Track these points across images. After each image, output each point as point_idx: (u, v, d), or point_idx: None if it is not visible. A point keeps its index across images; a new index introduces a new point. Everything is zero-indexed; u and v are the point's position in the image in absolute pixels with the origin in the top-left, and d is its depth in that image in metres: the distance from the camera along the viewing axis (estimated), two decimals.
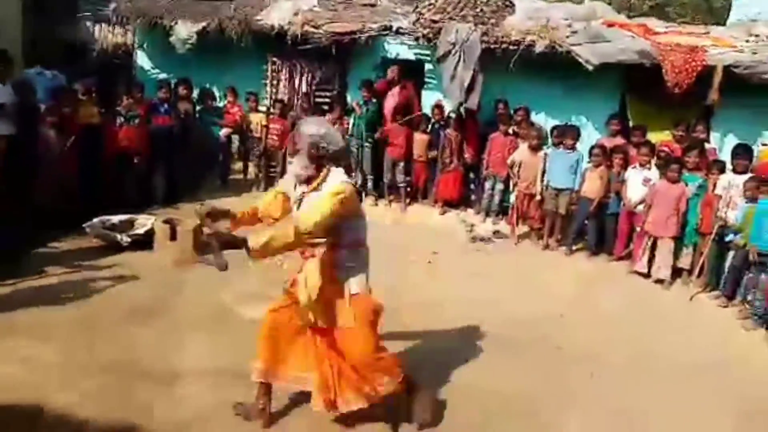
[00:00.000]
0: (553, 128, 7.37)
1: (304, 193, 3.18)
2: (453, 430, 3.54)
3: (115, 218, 6.04)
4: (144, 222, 6.10)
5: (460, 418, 3.65)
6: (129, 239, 5.78)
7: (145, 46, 9.55)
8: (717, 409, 4.00)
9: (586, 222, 6.89)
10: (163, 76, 8.93)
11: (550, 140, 7.40)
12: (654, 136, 7.19)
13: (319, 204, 3.01)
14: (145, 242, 5.87)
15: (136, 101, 7.22)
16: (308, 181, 3.15)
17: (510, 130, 7.70)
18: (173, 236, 5.83)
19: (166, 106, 7.60)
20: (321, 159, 3.11)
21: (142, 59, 9.58)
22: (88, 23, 9.71)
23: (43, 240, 5.73)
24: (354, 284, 3.22)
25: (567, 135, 7.07)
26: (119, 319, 4.53)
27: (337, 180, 3.09)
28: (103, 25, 9.71)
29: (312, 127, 3.15)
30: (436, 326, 4.80)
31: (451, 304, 5.23)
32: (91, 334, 4.28)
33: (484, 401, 3.84)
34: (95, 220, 5.93)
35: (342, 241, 3.19)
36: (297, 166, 3.15)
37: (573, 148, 7.01)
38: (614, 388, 4.17)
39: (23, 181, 5.72)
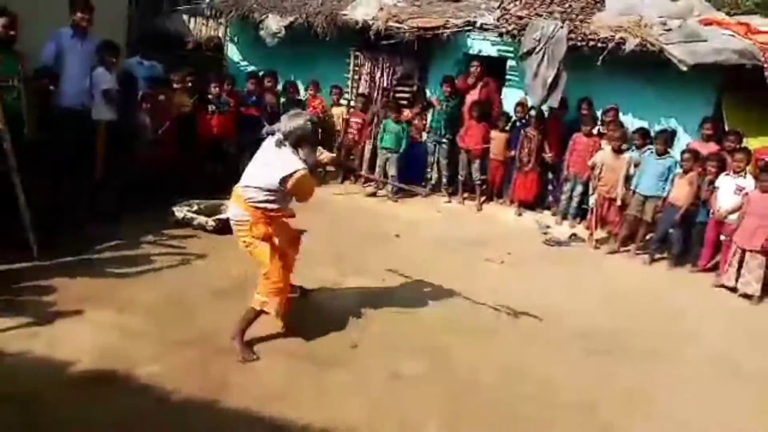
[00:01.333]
0: (657, 133, 7.03)
1: None
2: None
3: (202, 203, 6.37)
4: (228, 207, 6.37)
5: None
6: (214, 223, 6.06)
7: (236, 39, 9.95)
8: None
9: (671, 230, 6.57)
10: (251, 68, 9.27)
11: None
12: (753, 143, 6.77)
13: None
14: (228, 227, 6.12)
15: (227, 93, 7.57)
16: None
17: (596, 131, 7.49)
18: None
19: (254, 97, 7.91)
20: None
21: (232, 52, 9.98)
22: (185, 16, 10.20)
23: (132, 218, 6.10)
24: None
25: (659, 140, 6.76)
26: (202, 296, 4.77)
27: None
28: (198, 18, 10.17)
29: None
30: (504, 330, 4.77)
31: (520, 308, 5.18)
32: (176, 309, 4.54)
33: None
34: (183, 203, 6.27)
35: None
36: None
37: (665, 153, 6.69)
38: (684, 398, 4.01)
39: (122, 162, 6.14)
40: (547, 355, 4.44)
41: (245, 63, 9.73)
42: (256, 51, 9.45)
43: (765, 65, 6.56)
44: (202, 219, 6.08)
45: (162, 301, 4.65)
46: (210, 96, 7.42)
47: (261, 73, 8.45)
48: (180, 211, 6.16)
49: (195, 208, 6.26)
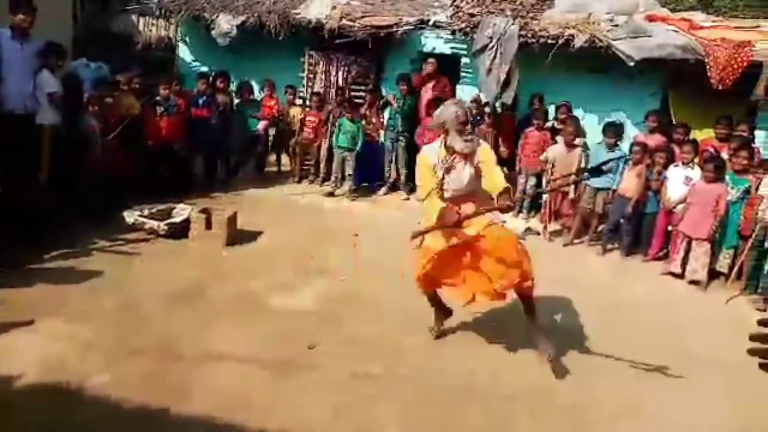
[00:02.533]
0: (606, 126, 7.16)
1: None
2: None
3: (154, 207, 6.23)
4: (181, 211, 6.27)
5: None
6: (166, 227, 5.94)
7: (187, 39, 9.76)
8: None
9: (621, 221, 6.75)
10: (204, 68, 9.12)
11: (591, 138, 7.29)
12: (698, 135, 7.00)
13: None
14: (181, 231, 6.03)
15: (176, 94, 7.41)
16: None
17: (549, 125, 7.63)
18: (209, 225, 5.99)
19: (204, 98, 7.78)
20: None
21: (183, 52, 9.79)
22: (134, 16, 9.96)
23: (82, 224, 5.92)
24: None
25: (608, 133, 6.92)
26: (155, 302, 4.67)
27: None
28: (148, 18, 9.94)
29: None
30: (465, 329, 4.81)
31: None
32: (128, 317, 4.43)
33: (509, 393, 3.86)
34: (134, 207, 6.13)
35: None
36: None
37: (615, 146, 6.86)
38: (634, 382, 4.13)
39: (67, 168, 5.94)
40: (508, 351, 4.47)
41: (197, 63, 9.56)
42: (208, 51, 9.31)
43: (707, 60, 6.79)
44: (154, 223, 5.96)
45: (114, 308, 4.54)
46: (159, 98, 7.26)
47: (213, 74, 8.33)
48: (131, 216, 6.02)
49: (146, 212, 6.13)
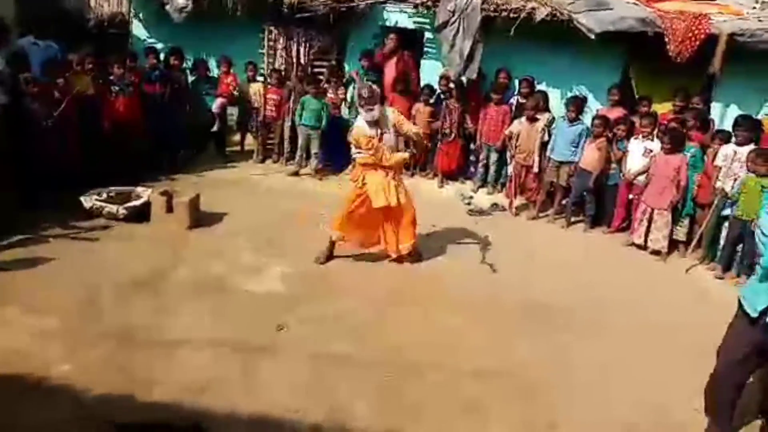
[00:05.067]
0: (568, 100, 7.18)
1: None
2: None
3: (111, 190, 6.05)
4: (140, 194, 6.10)
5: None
6: (125, 211, 5.78)
7: (141, 15, 9.40)
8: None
9: (584, 194, 6.84)
10: (160, 45, 8.82)
11: (556, 112, 7.33)
12: (658, 107, 7.10)
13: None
14: (141, 214, 5.87)
15: (128, 70, 7.15)
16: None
17: (513, 100, 7.65)
18: (169, 208, 5.84)
19: (155, 72, 7.54)
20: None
21: (137, 29, 9.44)
22: None
23: (40, 211, 5.72)
24: None
25: (570, 107, 6.96)
26: (117, 289, 4.57)
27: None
28: None
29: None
30: (431, 304, 4.84)
31: (445, 276, 5.26)
32: (88, 304, 4.33)
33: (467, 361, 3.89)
34: (92, 191, 5.93)
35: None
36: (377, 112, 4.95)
37: (576, 119, 6.92)
38: (606, 351, 4.22)
39: (17, 150, 5.70)
40: (475, 325, 4.52)
41: (152, 40, 9.20)
42: (164, 28, 8.97)
43: (665, 33, 6.86)
44: (112, 207, 5.79)
45: (73, 296, 4.42)
46: (113, 77, 6.99)
47: (168, 51, 8.08)
48: (89, 200, 5.84)
49: (105, 196, 5.94)
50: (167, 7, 8.53)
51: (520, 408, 3.64)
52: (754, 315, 2.93)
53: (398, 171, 5.28)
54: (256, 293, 4.73)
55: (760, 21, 6.93)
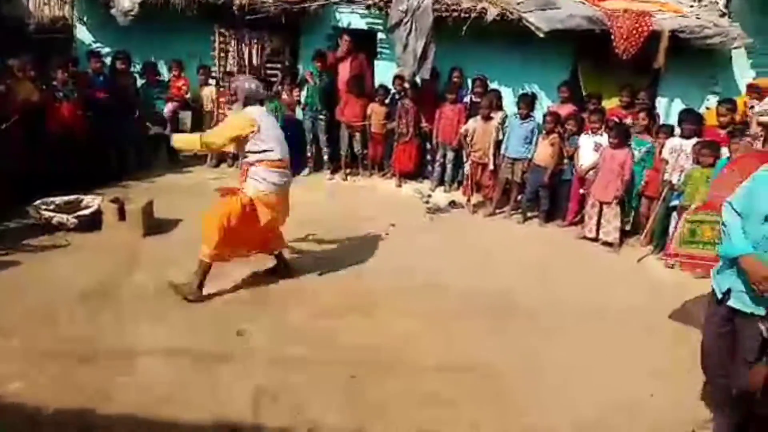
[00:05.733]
0: (520, 98, 7.31)
1: None
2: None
3: (60, 199, 5.84)
4: (90, 202, 5.91)
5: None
6: (75, 220, 5.59)
7: (85, 19, 9.12)
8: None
9: (539, 189, 6.98)
10: (106, 50, 8.58)
11: (509, 110, 7.46)
12: (606, 104, 7.31)
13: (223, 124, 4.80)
14: (92, 223, 5.69)
15: (71, 75, 6.93)
16: None
17: (467, 99, 7.75)
18: (122, 215, 5.68)
19: (100, 78, 7.34)
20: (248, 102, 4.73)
21: (82, 33, 9.15)
22: None
23: None
24: (250, 189, 4.58)
25: (522, 104, 7.09)
26: (71, 301, 4.42)
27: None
28: None
29: (245, 84, 4.82)
30: (387, 303, 4.83)
31: (405, 275, 5.29)
32: (39, 319, 4.16)
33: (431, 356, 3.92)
34: (38, 201, 5.71)
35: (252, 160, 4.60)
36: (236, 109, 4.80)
37: (528, 117, 7.04)
38: (567, 342, 4.32)
39: None
40: (435, 322, 4.54)
41: (98, 45, 8.94)
42: (110, 31, 8.71)
43: (611, 30, 7.06)
44: (62, 217, 5.59)
45: (23, 310, 4.25)
46: (56, 83, 6.76)
47: (114, 55, 7.87)
48: (36, 211, 5.62)
49: (53, 206, 5.73)
50: (112, 11, 8.29)
51: (484, 402, 3.68)
52: (720, 296, 3.17)
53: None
54: (214, 300, 4.64)
55: (698, 18, 7.22)
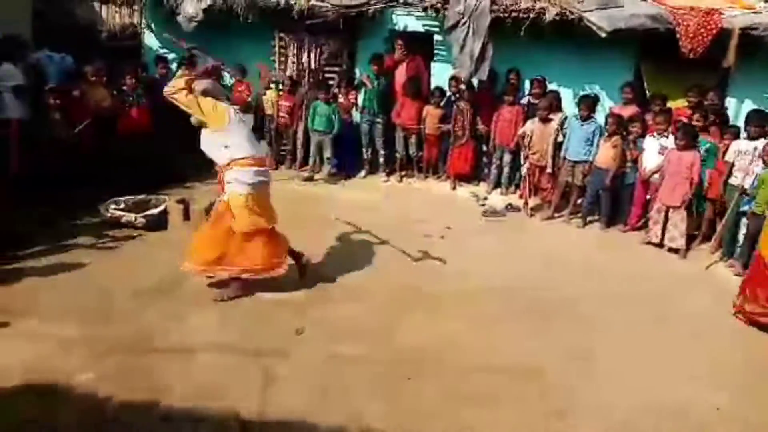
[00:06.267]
0: (580, 99, 7.15)
1: None
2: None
3: (129, 199, 6.10)
4: (158, 202, 6.15)
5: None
6: (143, 219, 5.83)
7: (152, 25, 9.50)
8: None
9: (600, 192, 6.81)
10: (172, 56, 8.91)
11: (568, 111, 7.32)
12: (671, 104, 7.06)
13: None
14: (159, 222, 5.92)
15: (140, 81, 7.23)
16: None
17: (525, 101, 7.64)
18: (187, 216, 5.89)
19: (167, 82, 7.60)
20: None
21: (149, 40, 9.53)
22: (96, 4, 9.65)
23: (58, 221, 5.79)
24: (228, 194, 4.46)
25: (582, 106, 6.92)
26: (135, 296, 4.60)
27: None
28: (111, 5, 9.64)
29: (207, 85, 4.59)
30: (447, 304, 4.82)
31: (459, 278, 5.26)
32: (105, 312, 4.36)
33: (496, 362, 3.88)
34: (109, 201, 5.99)
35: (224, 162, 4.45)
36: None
37: (589, 118, 6.88)
38: (628, 348, 4.20)
39: (37, 163, 5.78)
40: (492, 325, 4.51)
41: (164, 51, 9.31)
42: (175, 37, 9.05)
43: (677, 29, 6.82)
44: (130, 216, 5.83)
45: (90, 304, 4.46)
46: (125, 88, 7.07)
47: (179, 61, 8.15)
48: (107, 209, 5.89)
49: (123, 205, 6.00)
50: (178, 17, 8.61)
51: (539, 406, 3.63)
52: None
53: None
54: (271, 297, 4.74)
55: None
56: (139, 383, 3.58)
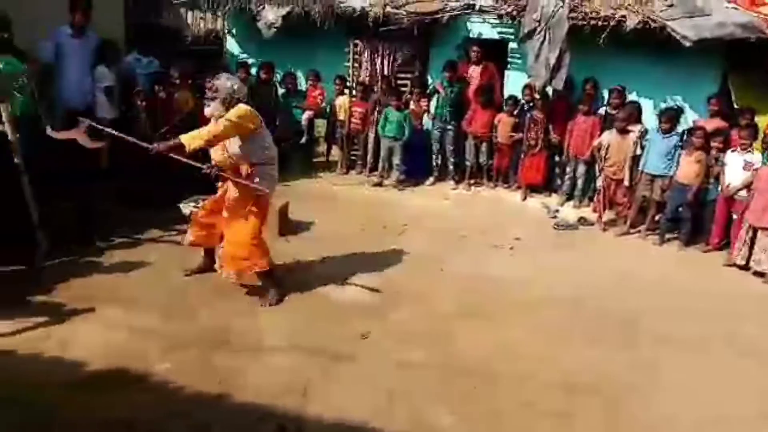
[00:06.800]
0: (662, 111, 6.90)
1: None
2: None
3: (207, 198, 6.31)
4: None
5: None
6: None
7: (234, 31, 9.86)
8: None
9: (680, 209, 6.51)
10: (251, 60, 9.22)
11: (648, 123, 7.07)
12: (761, 120, 6.67)
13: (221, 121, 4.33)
14: None
15: None
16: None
17: (602, 111, 7.44)
18: None
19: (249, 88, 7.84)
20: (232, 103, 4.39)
21: (231, 45, 9.90)
22: (182, 10, 10.09)
23: (139, 216, 6.07)
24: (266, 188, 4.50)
25: (664, 118, 6.65)
26: (207, 292, 4.77)
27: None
28: (196, 11, 10.06)
29: (227, 82, 4.49)
30: (514, 316, 4.75)
31: (524, 288, 5.18)
32: (182, 306, 4.54)
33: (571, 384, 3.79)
34: (189, 199, 6.23)
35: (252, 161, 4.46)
36: (213, 109, 4.48)
37: (671, 131, 6.60)
38: (703, 372, 4.00)
39: (123, 162, 6.09)
40: (560, 339, 4.42)
41: (244, 55, 9.65)
42: (255, 43, 9.37)
43: None
44: None
45: (168, 297, 4.65)
46: (207, 92, 7.32)
47: (258, 66, 8.42)
48: (186, 207, 6.12)
49: (201, 203, 6.22)
50: (258, 23, 8.90)
51: (603, 418, 3.55)
52: None
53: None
54: (340, 300, 4.81)
55: None
56: (211, 376, 3.70)
